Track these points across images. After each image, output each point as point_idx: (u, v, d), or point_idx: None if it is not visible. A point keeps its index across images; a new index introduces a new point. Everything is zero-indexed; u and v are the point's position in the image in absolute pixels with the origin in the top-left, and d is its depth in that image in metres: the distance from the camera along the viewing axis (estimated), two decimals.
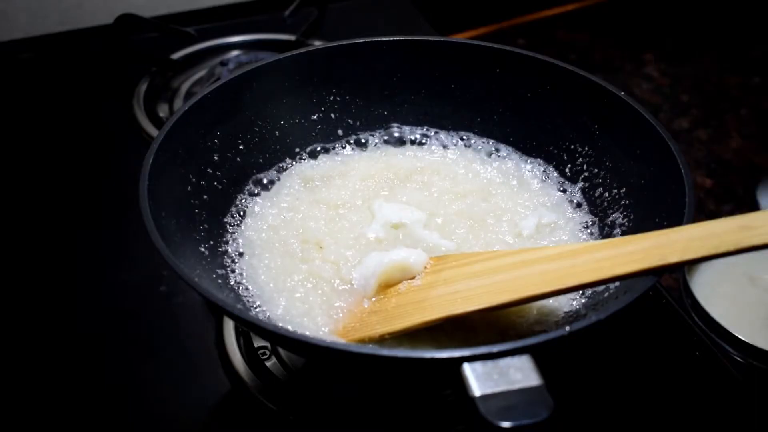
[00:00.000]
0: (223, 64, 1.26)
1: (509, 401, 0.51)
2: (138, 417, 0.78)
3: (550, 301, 0.74)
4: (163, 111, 1.24)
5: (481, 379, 0.52)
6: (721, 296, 1.07)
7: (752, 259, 1.09)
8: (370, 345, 0.69)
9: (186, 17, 1.46)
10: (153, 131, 1.17)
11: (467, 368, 0.53)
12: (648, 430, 0.77)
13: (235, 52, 1.35)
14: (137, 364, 0.83)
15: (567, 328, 0.57)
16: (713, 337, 1.00)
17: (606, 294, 0.72)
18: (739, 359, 0.99)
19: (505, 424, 0.49)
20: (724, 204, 1.48)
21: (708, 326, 1.01)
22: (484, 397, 0.51)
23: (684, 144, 1.66)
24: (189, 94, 1.27)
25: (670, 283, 1.14)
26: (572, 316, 0.72)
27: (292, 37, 1.37)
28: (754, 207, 1.48)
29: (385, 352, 0.56)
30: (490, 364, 0.53)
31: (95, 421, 0.78)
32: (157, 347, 0.85)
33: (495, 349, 0.54)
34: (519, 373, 0.53)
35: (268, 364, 0.80)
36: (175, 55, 1.33)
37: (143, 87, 1.26)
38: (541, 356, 0.54)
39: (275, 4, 1.43)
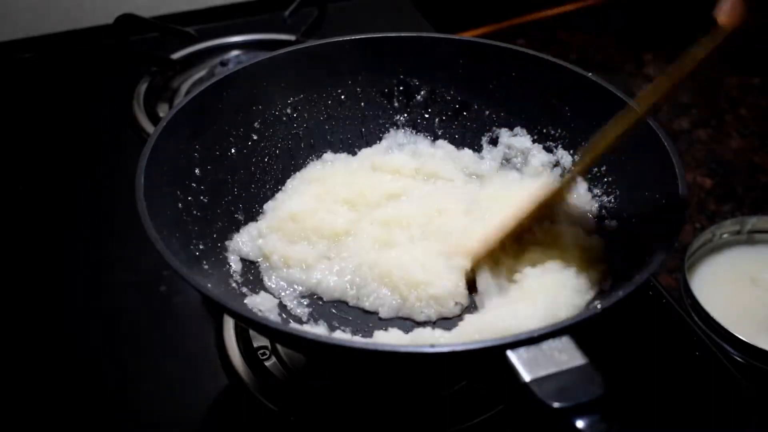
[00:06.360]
0: (223, 64, 1.26)
1: (561, 382, 0.51)
2: (138, 417, 0.78)
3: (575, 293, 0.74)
4: (163, 111, 1.24)
5: (528, 364, 0.52)
6: (721, 296, 1.07)
7: (753, 259, 1.09)
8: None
9: (186, 17, 1.46)
10: None
11: (512, 355, 0.52)
12: (648, 430, 0.77)
13: (235, 52, 1.35)
14: (137, 363, 0.83)
15: (599, 306, 0.58)
16: (713, 337, 1.00)
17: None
18: (739, 359, 0.99)
19: (564, 405, 0.49)
20: (724, 204, 1.48)
21: (708, 326, 1.01)
22: (537, 381, 0.51)
23: (684, 144, 1.66)
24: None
25: (670, 283, 1.15)
26: (599, 299, 0.73)
27: (292, 37, 1.37)
28: (754, 207, 1.48)
29: (402, 348, 0.56)
30: (533, 348, 0.53)
31: (95, 421, 0.78)
32: (158, 347, 0.85)
33: (535, 333, 0.53)
34: (563, 354, 0.52)
35: (267, 364, 0.80)
36: (175, 55, 1.33)
37: (143, 87, 1.26)
38: (579, 336, 0.54)
39: (275, 4, 1.43)
